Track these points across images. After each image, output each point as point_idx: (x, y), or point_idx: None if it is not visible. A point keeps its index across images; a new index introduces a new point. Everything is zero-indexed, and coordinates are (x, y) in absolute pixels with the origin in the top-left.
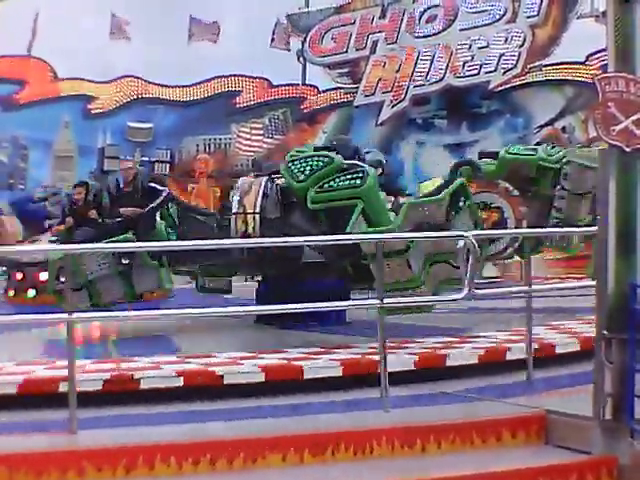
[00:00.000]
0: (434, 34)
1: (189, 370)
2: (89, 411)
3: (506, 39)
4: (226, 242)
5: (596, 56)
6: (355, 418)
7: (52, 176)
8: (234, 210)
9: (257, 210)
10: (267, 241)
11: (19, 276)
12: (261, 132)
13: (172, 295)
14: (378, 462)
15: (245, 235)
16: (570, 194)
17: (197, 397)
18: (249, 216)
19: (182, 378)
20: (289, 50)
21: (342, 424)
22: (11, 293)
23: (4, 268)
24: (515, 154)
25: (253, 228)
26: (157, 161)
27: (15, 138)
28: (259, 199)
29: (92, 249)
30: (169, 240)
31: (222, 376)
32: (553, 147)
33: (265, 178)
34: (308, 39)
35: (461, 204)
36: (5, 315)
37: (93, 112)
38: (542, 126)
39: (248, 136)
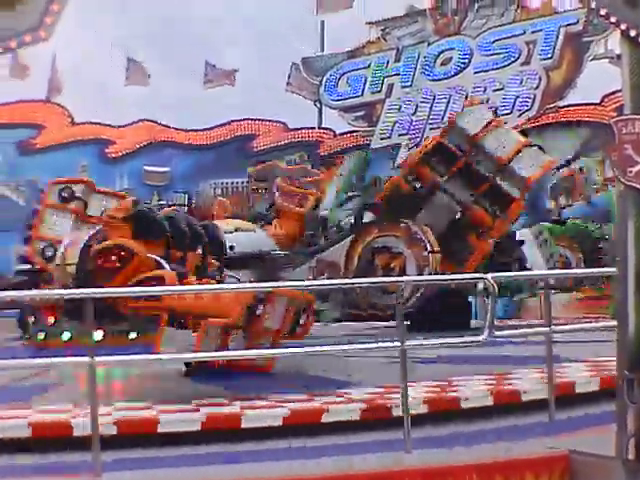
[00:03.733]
0: (449, 77)
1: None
2: (111, 454)
3: (521, 81)
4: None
5: (612, 97)
6: (377, 459)
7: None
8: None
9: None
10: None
11: (31, 319)
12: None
13: None
14: None
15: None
16: None
17: (216, 440)
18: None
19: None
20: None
21: (364, 465)
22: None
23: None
24: None
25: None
26: (174, 204)
27: (32, 182)
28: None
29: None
30: None
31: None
32: None
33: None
34: (324, 83)
35: None
36: (25, 358)
37: (110, 156)
38: (559, 168)
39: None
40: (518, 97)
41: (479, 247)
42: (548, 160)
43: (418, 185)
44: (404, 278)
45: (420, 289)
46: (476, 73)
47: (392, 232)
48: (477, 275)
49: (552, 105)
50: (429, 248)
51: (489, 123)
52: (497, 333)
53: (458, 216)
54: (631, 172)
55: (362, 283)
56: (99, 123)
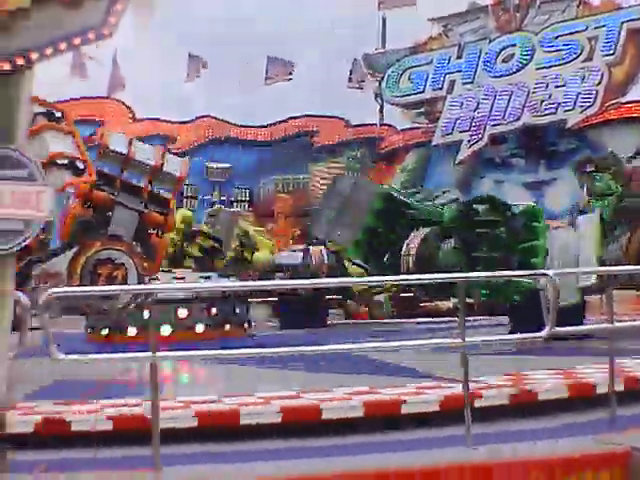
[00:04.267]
0: (511, 73)
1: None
2: (173, 448)
3: (583, 77)
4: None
5: None
6: (440, 455)
7: None
8: None
9: None
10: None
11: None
12: (338, 172)
13: (253, 334)
14: None
15: None
16: None
17: (286, 434)
18: None
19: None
20: (362, 88)
21: (427, 460)
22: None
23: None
24: None
25: None
26: (236, 200)
27: None
28: None
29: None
30: None
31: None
32: None
33: None
34: (385, 79)
35: None
36: (88, 354)
37: (171, 152)
38: None
39: (326, 176)
40: (580, 93)
41: (160, 244)
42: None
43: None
44: (469, 274)
45: (139, 297)
46: (538, 69)
47: (115, 245)
48: (539, 272)
49: (614, 101)
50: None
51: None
52: (559, 329)
53: (138, 222)
54: None
55: (419, 279)
56: (160, 119)
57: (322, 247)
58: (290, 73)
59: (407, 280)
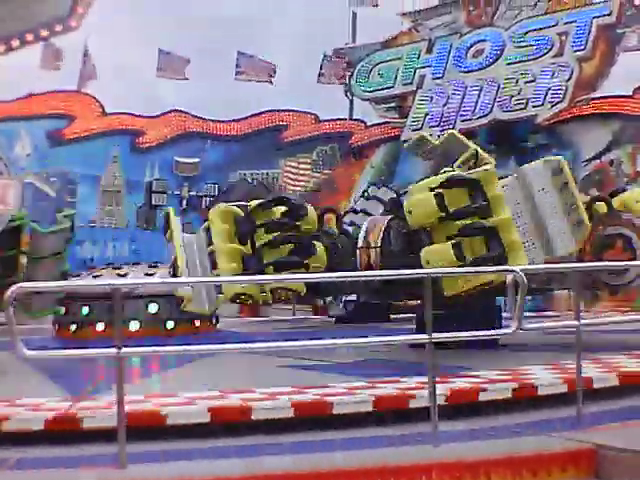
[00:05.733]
0: (481, 68)
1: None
2: (139, 446)
3: (553, 73)
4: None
5: None
6: (405, 453)
7: (99, 211)
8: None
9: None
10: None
11: (62, 311)
12: (309, 167)
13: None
14: None
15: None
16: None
17: (248, 432)
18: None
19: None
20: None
21: (392, 459)
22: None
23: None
24: None
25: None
26: (205, 195)
27: (63, 173)
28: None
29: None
30: None
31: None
32: None
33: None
34: (355, 74)
35: None
36: (54, 350)
37: (141, 147)
38: (590, 160)
39: (296, 171)
40: (550, 89)
41: None
42: None
43: None
44: (436, 270)
45: None
46: (508, 65)
47: None
48: (506, 268)
49: (584, 97)
50: None
51: None
52: (526, 326)
53: None
54: None
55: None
56: (130, 114)
57: None
58: (270, 74)
59: (373, 276)
